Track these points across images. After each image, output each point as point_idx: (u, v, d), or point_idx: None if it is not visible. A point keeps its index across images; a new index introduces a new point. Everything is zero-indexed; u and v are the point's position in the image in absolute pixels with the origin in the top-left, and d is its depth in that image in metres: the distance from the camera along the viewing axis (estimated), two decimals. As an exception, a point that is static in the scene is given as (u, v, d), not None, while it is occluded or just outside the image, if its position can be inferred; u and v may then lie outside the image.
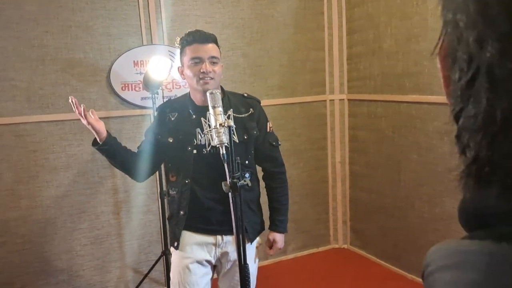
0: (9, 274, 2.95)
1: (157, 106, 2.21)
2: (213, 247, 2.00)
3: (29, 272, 3.00)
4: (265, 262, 3.73)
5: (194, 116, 1.94)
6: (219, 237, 1.99)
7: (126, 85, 3.09)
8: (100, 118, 3.01)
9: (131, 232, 3.25)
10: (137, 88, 3.10)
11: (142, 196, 3.22)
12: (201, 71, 1.85)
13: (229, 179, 1.70)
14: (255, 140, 2.02)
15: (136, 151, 2.03)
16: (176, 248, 1.97)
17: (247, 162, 2.00)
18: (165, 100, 3.04)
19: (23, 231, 2.97)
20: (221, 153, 1.70)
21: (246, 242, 2.06)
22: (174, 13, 3.21)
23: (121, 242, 3.25)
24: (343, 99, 3.85)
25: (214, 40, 1.92)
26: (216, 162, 1.88)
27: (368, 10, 3.49)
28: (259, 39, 3.53)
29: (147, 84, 2.85)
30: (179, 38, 1.94)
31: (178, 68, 1.98)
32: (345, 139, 3.89)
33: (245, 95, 2.09)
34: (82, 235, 3.12)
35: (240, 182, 1.69)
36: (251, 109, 2.01)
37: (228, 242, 2.00)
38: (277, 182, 2.14)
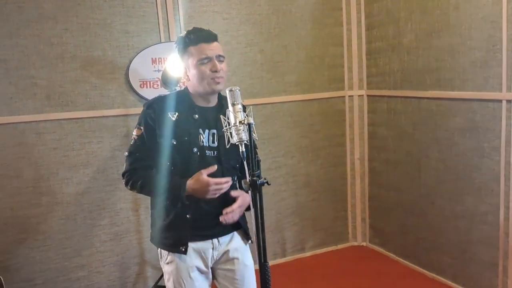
0: (30, 270, 2.99)
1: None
2: (211, 251, 1.95)
3: (49, 268, 3.04)
4: (283, 260, 3.72)
5: (197, 116, 1.87)
6: (215, 240, 1.94)
7: (145, 82, 3.10)
8: (119, 115, 3.09)
9: (150, 229, 3.26)
10: (155, 86, 3.11)
11: (161, 193, 3.23)
12: (213, 70, 1.81)
13: (249, 177, 1.69)
14: None
15: (140, 161, 1.88)
16: (185, 252, 1.89)
17: (237, 165, 1.97)
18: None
19: (43, 227, 3.00)
20: (240, 150, 1.68)
21: (246, 242, 2.04)
22: (191, 10, 3.21)
23: (140, 239, 3.27)
24: (362, 95, 3.81)
25: (217, 38, 1.87)
26: (217, 164, 1.85)
27: (387, 5, 3.44)
28: (276, 34, 3.51)
29: (165, 81, 2.85)
30: (178, 38, 1.87)
31: (183, 71, 1.92)
32: (364, 136, 3.85)
33: None
34: (102, 231, 3.15)
35: (260, 180, 1.68)
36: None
37: (224, 243, 1.97)
38: None
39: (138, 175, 1.87)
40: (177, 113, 1.87)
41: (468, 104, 2.87)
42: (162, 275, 3.17)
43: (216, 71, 1.82)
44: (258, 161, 1.71)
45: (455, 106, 2.96)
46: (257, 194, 1.69)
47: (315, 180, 3.84)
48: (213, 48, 1.83)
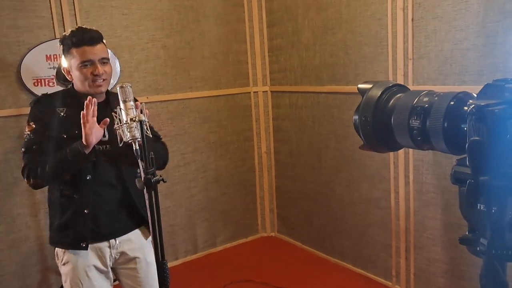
0: None
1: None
2: (108, 250, 1.94)
3: None
4: (194, 256, 3.73)
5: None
6: (112, 240, 1.94)
7: (39, 80, 2.95)
8: (10, 116, 2.91)
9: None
10: (50, 83, 2.96)
11: (61, 195, 3.09)
12: (94, 74, 1.81)
13: (144, 175, 1.68)
14: None
15: (37, 153, 1.83)
16: (86, 248, 1.87)
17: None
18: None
19: None
20: (134, 148, 1.66)
21: (148, 235, 2.02)
22: (88, 4, 3.09)
23: (41, 245, 3.10)
24: (266, 91, 3.91)
25: (102, 39, 1.87)
26: (112, 157, 1.86)
27: (286, 2, 3.55)
28: (179, 30, 3.49)
29: (60, 78, 2.74)
30: (61, 38, 1.86)
31: (63, 69, 1.91)
32: (270, 130, 3.97)
33: None
34: (-4, 240, 2.96)
35: (154, 178, 1.67)
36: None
37: (123, 242, 1.96)
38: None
39: (35, 163, 1.82)
40: (65, 109, 1.88)
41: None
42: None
43: (97, 75, 1.81)
44: (152, 158, 1.71)
45: (349, 99, 3.15)
46: (153, 193, 1.68)
47: (224, 174, 3.89)
48: (96, 52, 1.83)
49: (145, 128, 1.68)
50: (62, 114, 1.87)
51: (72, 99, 1.90)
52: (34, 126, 1.86)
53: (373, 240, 3.16)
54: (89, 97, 1.76)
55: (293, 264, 3.53)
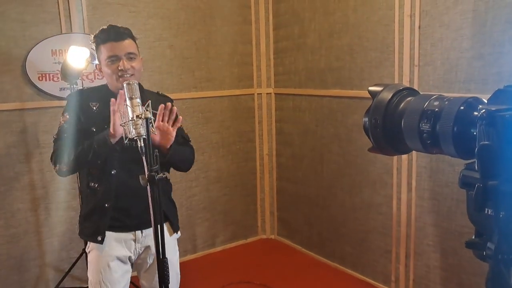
0: None
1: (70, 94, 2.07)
2: (133, 243, 1.96)
3: None
4: (193, 256, 3.73)
5: None
6: (138, 232, 1.96)
7: (44, 75, 2.95)
8: (14, 110, 2.92)
9: (51, 230, 3.12)
10: (55, 78, 2.97)
11: (61, 191, 3.09)
12: (119, 68, 1.83)
13: (147, 172, 1.68)
14: None
15: (68, 141, 1.89)
16: (101, 242, 1.90)
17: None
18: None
19: None
20: (139, 145, 1.67)
21: (172, 233, 2.06)
22: (95, 1, 3.10)
23: (40, 240, 3.11)
24: (270, 93, 3.92)
25: (130, 35, 1.89)
26: (137, 152, 1.86)
27: (293, 5, 3.56)
28: (186, 30, 3.49)
29: (65, 73, 2.74)
30: (92, 36, 1.89)
31: (96, 65, 1.95)
32: (272, 132, 3.97)
33: (159, 93, 2.11)
34: (-4, 233, 2.96)
35: (158, 175, 1.67)
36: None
37: (148, 236, 1.97)
38: None
39: (63, 150, 1.88)
40: (98, 104, 1.92)
41: (366, 102, 3.04)
42: (63, 277, 3.06)
43: (123, 70, 1.83)
44: (156, 156, 1.71)
45: (353, 104, 3.15)
46: (156, 190, 1.68)
47: (226, 175, 3.89)
48: (121, 47, 1.84)
49: (151, 125, 1.69)
50: (94, 108, 1.91)
51: (105, 95, 1.91)
52: (67, 117, 1.91)
53: (373, 246, 3.16)
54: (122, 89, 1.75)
55: (292, 267, 3.52)
